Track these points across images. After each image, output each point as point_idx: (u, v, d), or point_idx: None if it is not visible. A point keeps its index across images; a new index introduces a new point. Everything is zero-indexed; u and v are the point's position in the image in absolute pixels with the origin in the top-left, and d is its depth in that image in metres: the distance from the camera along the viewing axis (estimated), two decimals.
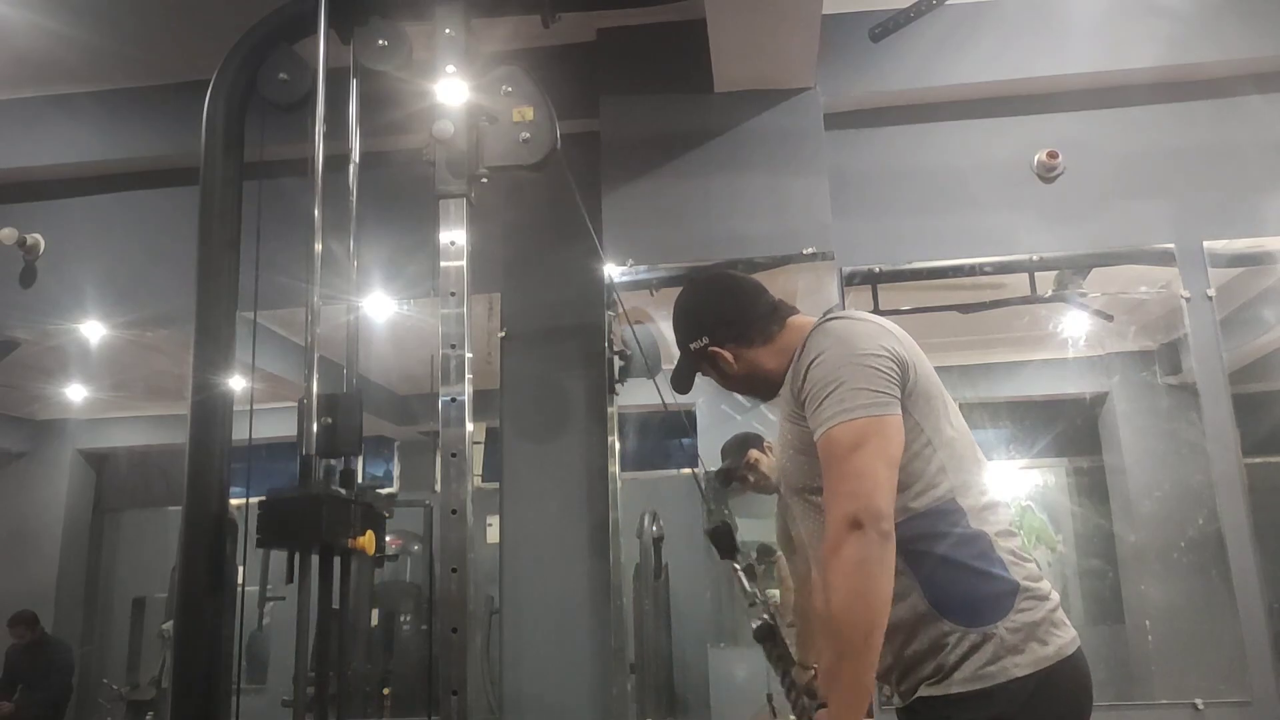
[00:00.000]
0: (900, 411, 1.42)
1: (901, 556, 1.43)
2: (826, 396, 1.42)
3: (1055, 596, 1.46)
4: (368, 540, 1.98)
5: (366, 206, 2.28)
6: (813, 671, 1.99)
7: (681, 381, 1.76)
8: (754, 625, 1.76)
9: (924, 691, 1.42)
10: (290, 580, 1.89)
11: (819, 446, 1.43)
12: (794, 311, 1.69)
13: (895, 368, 1.44)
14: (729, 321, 1.68)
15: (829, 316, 1.55)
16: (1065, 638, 1.42)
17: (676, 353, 1.76)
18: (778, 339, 1.65)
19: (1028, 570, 1.45)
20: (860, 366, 1.42)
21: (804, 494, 1.54)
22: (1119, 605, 2.91)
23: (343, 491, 2.00)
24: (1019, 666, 1.36)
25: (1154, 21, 2.93)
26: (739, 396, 2.30)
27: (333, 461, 2.04)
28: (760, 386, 1.67)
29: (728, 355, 1.66)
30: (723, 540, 1.76)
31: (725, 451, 2.79)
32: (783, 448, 1.59)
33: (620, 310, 2.84)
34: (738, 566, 1.74)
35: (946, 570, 1.42)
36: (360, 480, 2.09)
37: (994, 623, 1.39)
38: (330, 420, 2.00)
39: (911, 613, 1.43)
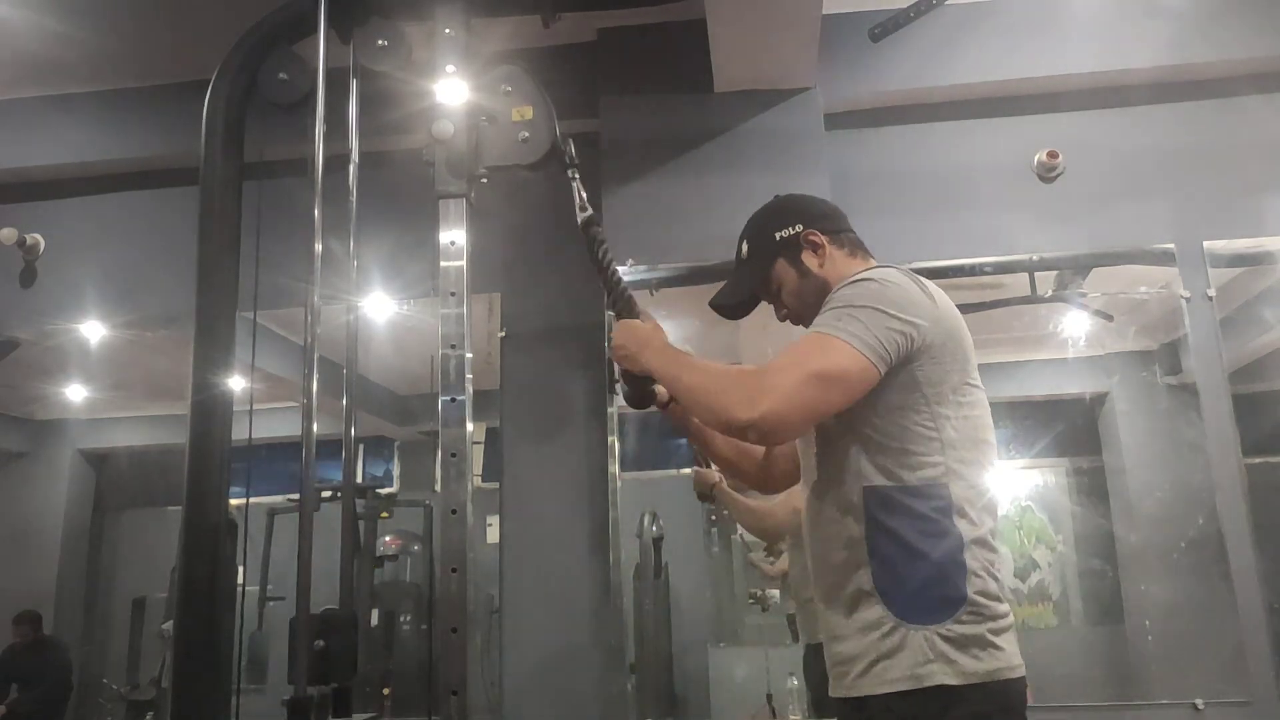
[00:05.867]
0: (880, 372, 1.41)
1: (865, 525, 1.43)
2: (831, 309, 1.45)
3: (1006, 620, 1.41)
4: None
5: (366, 206, 2.28)
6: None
7: (738, 293, 1.72)
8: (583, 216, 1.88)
9: (853, 690, 1.42)
10: None
11: (800, 338, 1.45)
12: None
13: (906, 336, 1.42)
14: (829, 216, 1.68)
15: (889, 265, 1.55)
16: (1004, 663, 1.38)
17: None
18: (857, 260, 1.64)
19: (985, 586, 1.40)
20: (878, 312, 1.42)
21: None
22: (1119, 605, 2.91)
23: None
24: (947, 675, 1.34)
25: (1154, 21, 2.93)
26: None
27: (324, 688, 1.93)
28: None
29: (822, 240, 1.63)
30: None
31: None
32: None
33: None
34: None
35: (903, 559, 1.40)
36: (360, 481, 2.07)
37: (928, 625, 1.37)
38: (324, 644, 1.89)
39: (857, 588, 1.43)
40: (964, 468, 1.44)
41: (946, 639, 1.36)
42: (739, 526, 2.92)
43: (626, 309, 1.78)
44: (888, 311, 1.42)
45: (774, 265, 1.67)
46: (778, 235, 1.66)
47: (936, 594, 1.38)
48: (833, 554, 1.48)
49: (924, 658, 1.36)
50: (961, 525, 1.41)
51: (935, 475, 1.43)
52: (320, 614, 1.93)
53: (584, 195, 1.91)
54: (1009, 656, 1.39)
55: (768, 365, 1.43)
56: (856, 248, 1.67)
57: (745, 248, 1.72)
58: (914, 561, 1.40)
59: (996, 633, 1.39)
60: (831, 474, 1.50)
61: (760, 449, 1.85)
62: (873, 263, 1.65)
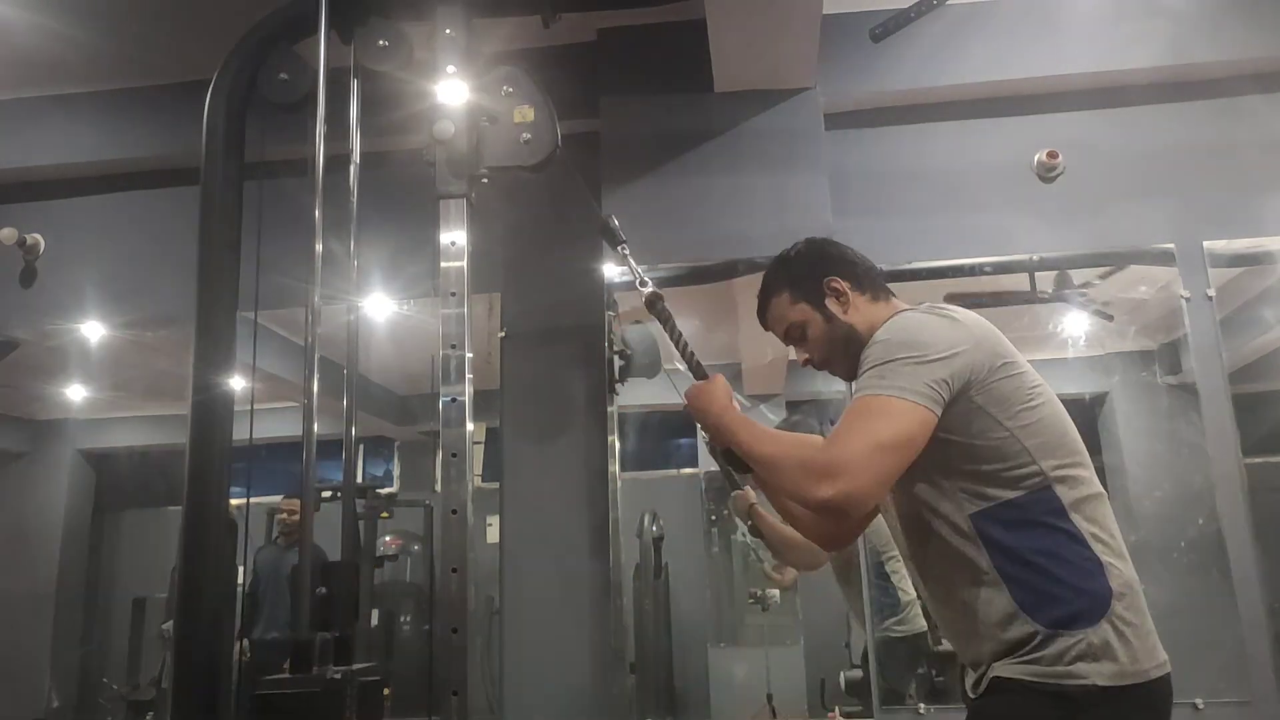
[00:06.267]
0: (937, 413, 1.40)
1: (987, 552, 1.42)
2: (870, 368, 1.44)
3: (1145, 615, 1.42)
4: None
5: (366, 206, 2.27)
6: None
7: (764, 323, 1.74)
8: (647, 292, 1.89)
9: (1000, 670, 1.41)
10: None
11: (850, 406, 1.44)
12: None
13: (951, 370, 1.42)
14: (852, 262, 1.69)
15: (909, 306, 1.56)
16: (1154, 660, 1.40)
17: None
18: (882, 306, 1.65)
19: (1126, 578, 1.41)
20: (916, 360, 1.42)
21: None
22: None
23: (338, 675, 1.89)
24: (1100, 675, 1.34)
25: (1154, 21, 2.93)
26: None
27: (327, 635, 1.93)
28: (853, 349, 1.59)
29: (844, 286, 1.65)
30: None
31: None
32: None
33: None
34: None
35: (1035, 573, 1.40)
36: (360, 481, 2.07)
37: (1083, 629, 1.36)
38: (325, 590, 1.91)
39: (1000, 614, 1.41)
40: (1061, 469, 1.44)
41: (1103, 639, 1.36)
42: (739, 527, 2.92)
43: (698, 372, 1.80)
44: (926, 356, 1.42)
45: (794, 310, 1.69)
46: (803, 281, 1.68)
47: (1082, 599, 1.38)
48: (959, 592, 1.47)
49: (1073, 656, 1.35)
50: (1079, 522, 1.42)
51: (1036, 483, 1.43)
52: (322, 564, 1.95)
53: (640, 270, 1.90)
54: (1158, 652, 1.41)
55: (834, 437, 1.42)
56: (879, 291, 1.68)
57: (768, 293, 1.74)
58: (1049, 571, 1.39)
59: (1149, 630, 1.41)
60: (927, 519, 1.49)
61: None
62: (896, 304, 1.66)
